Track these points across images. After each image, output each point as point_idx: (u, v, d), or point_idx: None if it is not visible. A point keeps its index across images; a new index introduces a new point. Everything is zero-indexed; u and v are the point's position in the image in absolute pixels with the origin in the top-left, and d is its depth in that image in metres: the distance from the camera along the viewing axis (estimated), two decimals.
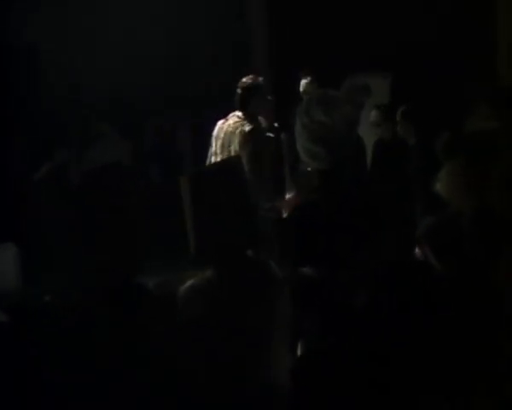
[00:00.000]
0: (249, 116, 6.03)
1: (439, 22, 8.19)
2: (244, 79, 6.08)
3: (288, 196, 6.75)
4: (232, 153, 5.88)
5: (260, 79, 6.09)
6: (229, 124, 6.08)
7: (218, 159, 6.00)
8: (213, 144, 6.15)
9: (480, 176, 3.33)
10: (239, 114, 6.09)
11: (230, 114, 6.15)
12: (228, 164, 3.82)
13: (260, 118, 6.17)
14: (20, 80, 7.49)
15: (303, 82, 7.36)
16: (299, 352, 3.70)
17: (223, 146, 6.05)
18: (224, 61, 8.72)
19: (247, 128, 5.96)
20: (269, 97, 6.33)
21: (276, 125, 6.94)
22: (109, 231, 3.04)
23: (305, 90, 7.27)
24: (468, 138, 4.91)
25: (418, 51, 8.23)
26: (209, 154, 6.21)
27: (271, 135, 6.42)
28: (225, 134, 6.06)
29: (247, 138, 5.91)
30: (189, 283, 3.36)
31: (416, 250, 3.96)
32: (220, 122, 6.18)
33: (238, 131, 5.98)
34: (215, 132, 6.14)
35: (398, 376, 3.14)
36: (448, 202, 4.35)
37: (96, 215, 3.01)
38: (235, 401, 3.27)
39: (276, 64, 8.84)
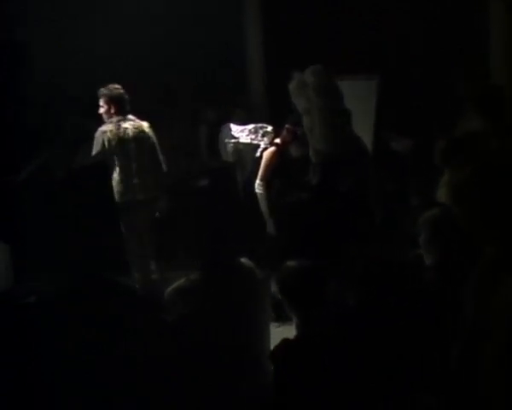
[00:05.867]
0: None
1: (428, 22, 8.19)
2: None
3: None
4: None
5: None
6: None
7: None
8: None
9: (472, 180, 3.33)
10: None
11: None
12: (222, 169, 3.85)
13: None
14: (5, 79, 7.47)
15: None
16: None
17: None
18: (218, 63, 8.73)
19: None
20: None
21: None
22: (95, 232, 3.06)
23: None
24: (462, 144, 4.94)
25: (405, 52, 8.23)
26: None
27: None
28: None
29: None
30: (174, 284, 3.39)
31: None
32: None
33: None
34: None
35: (376, 369, 3.16)
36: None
37: (79, 215, 3.02)
38: (223, 398, 3.29)
39: (267, 67, 8.85)
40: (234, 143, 6.90)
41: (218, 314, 3.27)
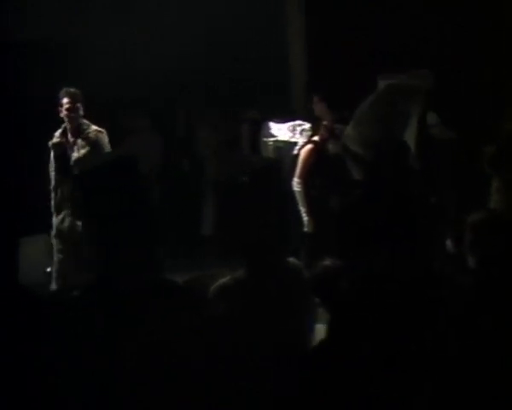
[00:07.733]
0: None
1: (477, 24, 8.10)
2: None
3: None
4: None
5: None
6: None
7: None
8: None
9: None
10: None
11: None
12: (269, 167, 3.85)
13: None
14: (38, 75, 7.56)
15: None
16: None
17: None
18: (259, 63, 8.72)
19: None
20: None
21: None
22: (131, 227, 3.05)
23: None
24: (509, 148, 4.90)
25: (454, 52, 8.14)
26: None
27: None
28: None
29: None
30: (219, 282, 3.39)
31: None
32: None
33: None
34: None
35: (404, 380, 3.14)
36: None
37: (116, 212, 3.02)
38: (260, 398, 3.29)
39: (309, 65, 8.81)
40: (273, 141, 6.94)
41: (262, 313, 3.26)
